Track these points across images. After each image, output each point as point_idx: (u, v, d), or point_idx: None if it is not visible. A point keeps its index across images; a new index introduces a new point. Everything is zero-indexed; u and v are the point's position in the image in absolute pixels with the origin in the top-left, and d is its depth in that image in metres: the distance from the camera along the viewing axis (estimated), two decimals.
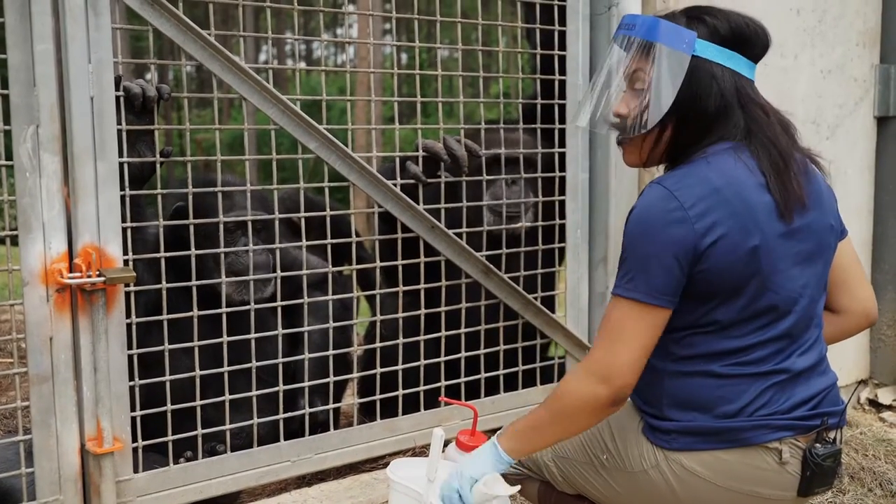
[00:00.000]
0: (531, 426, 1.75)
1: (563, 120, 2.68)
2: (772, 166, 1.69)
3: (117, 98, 2.01)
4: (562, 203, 2.72)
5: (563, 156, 2.70)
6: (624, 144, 1.84)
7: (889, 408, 3.31)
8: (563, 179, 2.71)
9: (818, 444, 1.71)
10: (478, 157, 2.58)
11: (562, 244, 2.75)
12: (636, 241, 1.67)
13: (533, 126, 2.71)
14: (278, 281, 2.33)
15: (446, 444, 1.87)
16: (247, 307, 2.27)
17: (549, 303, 2.80)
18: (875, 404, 3.35)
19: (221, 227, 2.22)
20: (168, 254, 2.13)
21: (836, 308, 1.90)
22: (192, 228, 2.17)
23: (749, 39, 1.73)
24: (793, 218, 1.69)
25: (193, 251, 2.16)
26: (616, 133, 1.84)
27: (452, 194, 2.58)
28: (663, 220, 1.64)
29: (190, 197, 2.17)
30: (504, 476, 1.94)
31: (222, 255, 2.26)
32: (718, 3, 1.90)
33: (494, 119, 2.79)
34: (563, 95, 2.67)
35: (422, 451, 2.53)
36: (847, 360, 3.27)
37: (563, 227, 2.73)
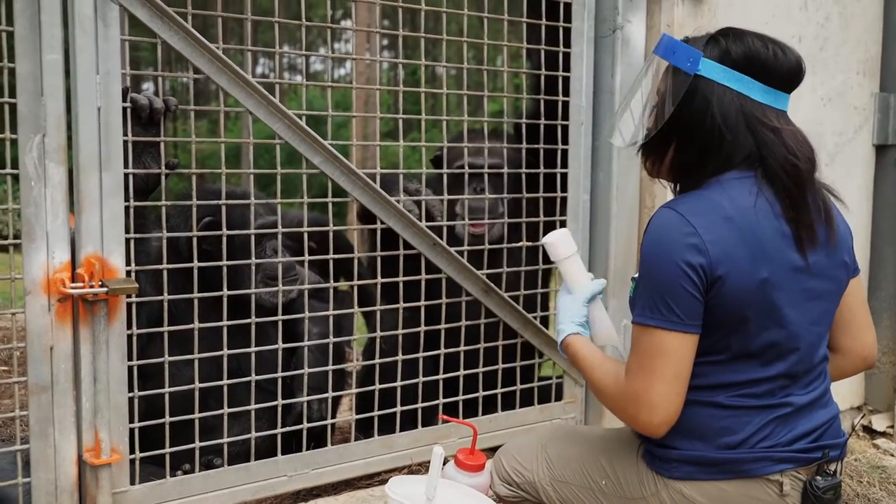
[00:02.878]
0: (582, 363, 1.83)
1: (565, 141, 2.69)
2: (787, 198, 1.68)
3: (124, 109, 2.02)
4: (563, 223, 2.73)
5: (564, 176, 2.71)
6: (641, 153, 1.86)
7: (883, 434, 3.32)
8: (564, 200, 2.72)
9: (819, 477, 1.71)
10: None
11: None
12: (652, 266, 1.66)
13: (525, 145, 2.71)
14: (306, 292, 2.40)
15: (445, 462, 1.87)
16: (248, 321, 2.27)
17: (544, 321, 2.81)
18: (869, 431, 3.36)
19: (252, 238, 2.30)
20: (171, 265, 2.12)
21: (836, 348, 1.87)
22: (224, 240, 2.20)
23: (765, 64, 1.70)
24: (807, 253, 1.68)
25: (196, 263, 2.16)
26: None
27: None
28: (677, 246, 1.63)
29: (224, 209, 2.20)
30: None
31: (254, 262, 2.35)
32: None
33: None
34: (566, 116, 2.68)
35: (418, 468, 2.52)
36: (842, 386, 3.27)
37: None
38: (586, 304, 1.93)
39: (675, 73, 1.73)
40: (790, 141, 1.70)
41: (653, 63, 1.79)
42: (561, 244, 1.96)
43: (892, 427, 3.30)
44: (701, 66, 1.71)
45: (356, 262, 2.54)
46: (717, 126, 1.70)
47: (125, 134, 2.02)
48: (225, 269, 2.20)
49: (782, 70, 1.71)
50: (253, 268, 2.32)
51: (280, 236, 2.37)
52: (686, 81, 1.71)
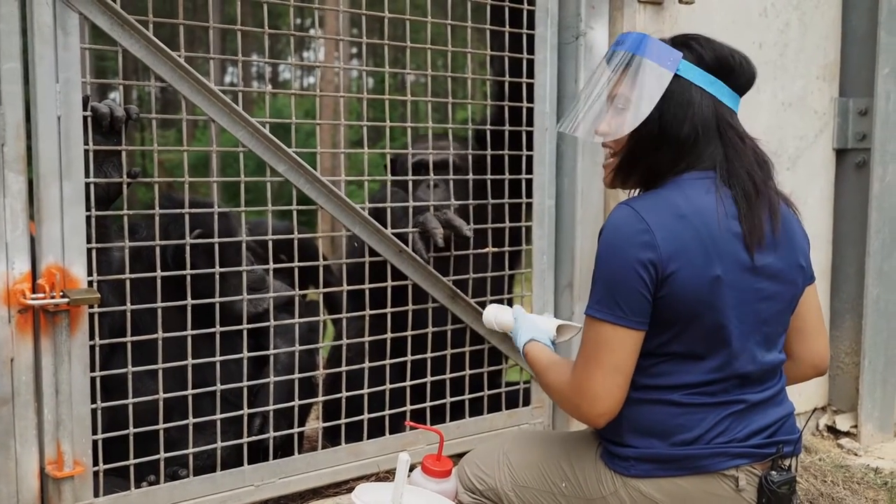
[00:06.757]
0: (536, 367, 1.90)
1: (530, 147, 2.70)
2: (745, 199, 1.71)
3: (85, 118, 2.00)
4: (528, 229, 2.74)
5: (529, 182, 2.72)
6: (605, 164, 1.88)
7: (847, 434, 3.36)
8: (529, 206, 2.73)
9: (773, 472, 1.74)
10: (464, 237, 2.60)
11: (528, 269, 2.77)
12: (605, 262, 1.70)
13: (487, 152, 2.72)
14: (271, 303, 2.42)
15: (412, 468, 1.87)
16: (213, 329, 2.25)
17: None
18: (833, 431, 3.40)
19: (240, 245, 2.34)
20: (133, 275, 2.11)
21: (788, 354, 1.90)
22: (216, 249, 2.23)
23: (734, 70, 1.76)
24: (754, 253, 1.71)
25: (159, 273, 2.14)
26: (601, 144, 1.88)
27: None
28: (631, 242, 1.66)
29: (175, 217, 2.15)
30: None
31: (244, 274, 2.33)
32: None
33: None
34: (530, 123, 2.70)
35: (385, 475, 2.52)
36: (806, 387, 3.30)
37: (529, 253, 2.75)
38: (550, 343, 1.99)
39: (651, 72, 1.74)
40: (752, 147, 1.77)
41: (620, 60, 1.78)
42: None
43: (855, 427, 3.35)
44: (680, 66, 1.74)
45: (321, 269, 2.52)
46: (697, 127, 1.74)
47: (86, 143, 2.00)
48: (190, 279, 2.18)
49: (743, 76, 1.79)
50: (217, 276, 2.28)
51: (244, 251, 2.36)
52: (666, 79, 1.73)
